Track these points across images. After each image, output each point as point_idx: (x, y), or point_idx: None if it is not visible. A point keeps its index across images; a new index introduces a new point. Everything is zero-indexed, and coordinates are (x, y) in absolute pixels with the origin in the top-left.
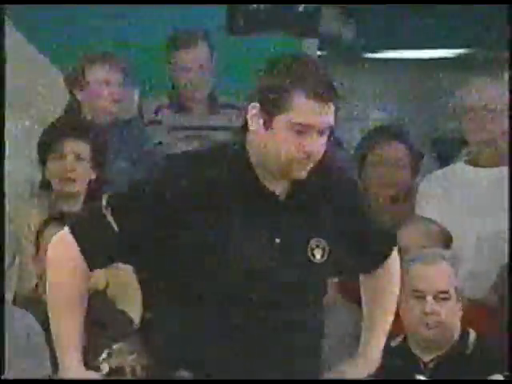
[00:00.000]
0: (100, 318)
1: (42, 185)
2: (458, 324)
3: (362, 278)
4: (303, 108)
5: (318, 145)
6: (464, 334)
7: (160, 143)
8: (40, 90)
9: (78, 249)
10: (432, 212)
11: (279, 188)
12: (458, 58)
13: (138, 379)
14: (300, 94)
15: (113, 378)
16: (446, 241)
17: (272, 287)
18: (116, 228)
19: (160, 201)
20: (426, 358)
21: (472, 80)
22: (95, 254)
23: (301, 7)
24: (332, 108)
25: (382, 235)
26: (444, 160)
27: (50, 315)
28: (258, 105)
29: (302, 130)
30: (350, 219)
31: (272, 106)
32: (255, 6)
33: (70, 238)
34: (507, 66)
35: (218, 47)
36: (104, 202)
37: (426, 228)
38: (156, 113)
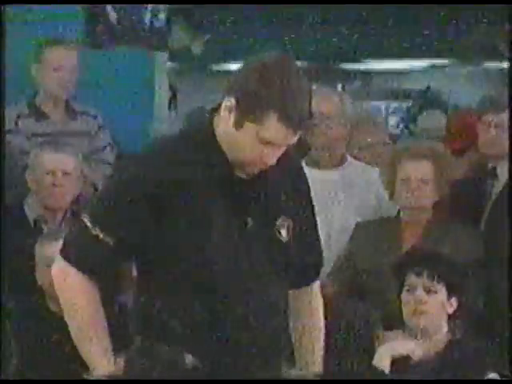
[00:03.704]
0: None
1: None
2: None
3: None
4: (273, 128)
5: (275, 156)
6: None
7: (26, 152)
8: None
9: (86, 276)
10: None
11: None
12: (300, 69)
13: (137, 379)
14: (274, 115)
15: None
16: None
17: (248, 267)
18: (111, 241)
19: (140, 199)
20: None
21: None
22: (99, 270)
23: (154, 23)
24: (299, 133)
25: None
26: None
27: (76, 337)
28: (234, 100)
29: (265, 142)
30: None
31: (246, 112)
32: (111, 20)
33: (71, 269)
34: (342, 77)
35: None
36: (89, 224)
37: None
38: (16, 122)
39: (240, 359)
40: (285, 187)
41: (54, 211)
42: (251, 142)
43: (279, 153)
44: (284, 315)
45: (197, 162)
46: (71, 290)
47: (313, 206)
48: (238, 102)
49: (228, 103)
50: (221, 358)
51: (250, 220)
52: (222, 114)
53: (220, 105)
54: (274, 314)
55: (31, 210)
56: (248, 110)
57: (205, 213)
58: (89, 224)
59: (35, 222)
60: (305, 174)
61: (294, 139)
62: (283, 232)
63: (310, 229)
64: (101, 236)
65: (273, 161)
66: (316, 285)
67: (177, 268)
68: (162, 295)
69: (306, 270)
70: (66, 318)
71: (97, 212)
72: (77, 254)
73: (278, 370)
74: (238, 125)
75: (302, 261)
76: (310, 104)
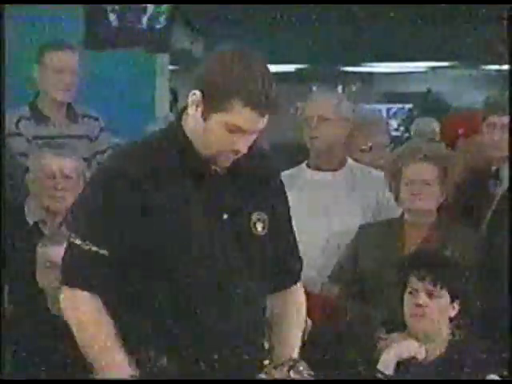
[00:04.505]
0: None
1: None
2: None
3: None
4: (239, 114)
5: (246, 144)
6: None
7: (24, 154)
8: None
9: (93, 294)
10: None
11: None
12: (301, 71)
13: (137, 379)
14: (239, 101)
15: None
16: None
17: (223, 262)
18: (106, 252)
19: (118, 204)
20: None
21: (310, 92)
22: (100, 284)
23: (154, 25)
24: (266, 117)
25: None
26: (290, 163)
27: (89, 351)
28: (199, 93)
29: (234, 130)
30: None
31: (211, 102)
32: (112, 22)
33: (77, 292)
34: (343, 80)
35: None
36: (79, 241)
37: None
38: (17, 124)
39: (217, 356)
40: (259, 184)
41: (54, 214)
42: (221, 131)
43: (250, 140)
44: (261, 311)
45: (171, 161)
46: (83, 313)
47: (288, 206)
48: (203, 94)
49: (194, 97)
50: (196, 355)
51: (225, 214)
52: (189, 108)
53: (187, 104)
54: (251, 309)
55: (31, 212)
56: (214, 100)
57: (183, 210)
58: (79, 242)
59: (35, 224)
60: (279, 172)
61: (262, 123)
62: (259, 226)
63: (285, 228)
64: (94, 249)
65: (244, 149)
66: (297, 287)
67: (154, 267)
68: (137, 295)
69: (286, 274)
70: (79, 341)
71: (83, 227)
72: (79, 275)
73: (256, 365)
74: (206, 116)
75: (282, 263)
76: (275, 88)
